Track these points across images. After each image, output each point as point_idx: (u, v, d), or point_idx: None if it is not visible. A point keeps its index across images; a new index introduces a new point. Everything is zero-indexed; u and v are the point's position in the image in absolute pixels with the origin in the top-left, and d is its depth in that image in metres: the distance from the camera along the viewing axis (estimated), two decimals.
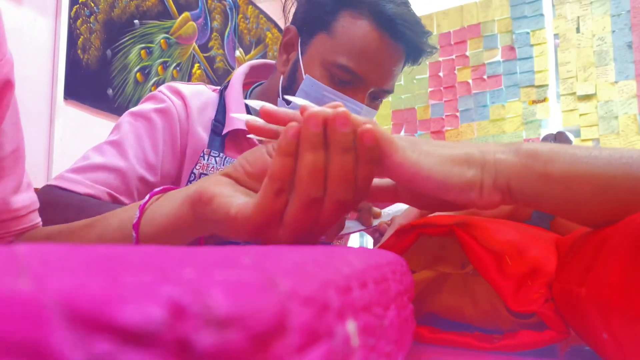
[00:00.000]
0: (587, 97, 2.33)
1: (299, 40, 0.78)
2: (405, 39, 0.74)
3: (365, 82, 0.75)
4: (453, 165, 0.31)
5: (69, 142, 1.56)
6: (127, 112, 0.78)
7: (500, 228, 0.35)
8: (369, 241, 2.32)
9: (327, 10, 0.75)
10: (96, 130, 1.66)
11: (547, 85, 2.43)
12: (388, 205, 0.77)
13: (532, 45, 2.48)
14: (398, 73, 0.79)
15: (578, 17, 2.41)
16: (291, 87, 0.79)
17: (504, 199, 0.31)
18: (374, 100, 0.80)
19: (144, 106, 0.78)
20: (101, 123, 1.69)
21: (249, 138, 0.75)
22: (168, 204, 0.36)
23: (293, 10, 0.83)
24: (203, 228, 0.34)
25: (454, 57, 2.65)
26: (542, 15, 2.48)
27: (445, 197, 0.31)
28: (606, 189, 0.27)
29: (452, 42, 2.67)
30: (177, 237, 0.36)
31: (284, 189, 0.29)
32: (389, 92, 0.79)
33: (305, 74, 0.76)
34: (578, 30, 2.41)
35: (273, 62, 0.90)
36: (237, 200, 0.31)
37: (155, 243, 0.36)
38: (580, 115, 2.33)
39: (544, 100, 2.43)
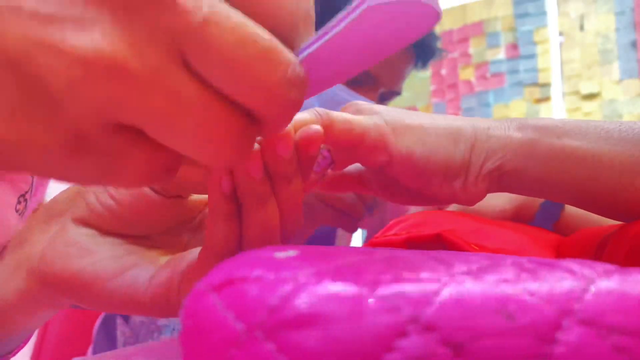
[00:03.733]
0: (591, 96, 2.32)
1: None
2: (419, 42, 0.74)
3: (377, 82, 0.75)
4: (439, 138, 0.25)
5: None
6: None
7: (493, 230, 0.33)
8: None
9: (343, 8, 0.74)
10: None
11: (550, 83, 2.41)
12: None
13: (535, 43, 2.46)
14: (408, 75, 0.79)
15: (582, 15, 2.39)
16: None
17: (489, 189, 0.26)
18: (382, 102, 0.80)
19: None
20: None
21: None
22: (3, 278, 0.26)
23: None
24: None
25: (456, 54, 2.63)
26: (545, 12, 2.46)
27: (426, 187, 0.26)
28: (636, 172, 0.23)
29: (455, 40, 2.65)
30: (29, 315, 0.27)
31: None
32: (398, 93, 0.79)
33: None
34: (582, 28, 2.38)
35: None
36: (124, 262, 0.23)
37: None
38: (585, 114, 2.31)
39: (548, 99, 2.41)
